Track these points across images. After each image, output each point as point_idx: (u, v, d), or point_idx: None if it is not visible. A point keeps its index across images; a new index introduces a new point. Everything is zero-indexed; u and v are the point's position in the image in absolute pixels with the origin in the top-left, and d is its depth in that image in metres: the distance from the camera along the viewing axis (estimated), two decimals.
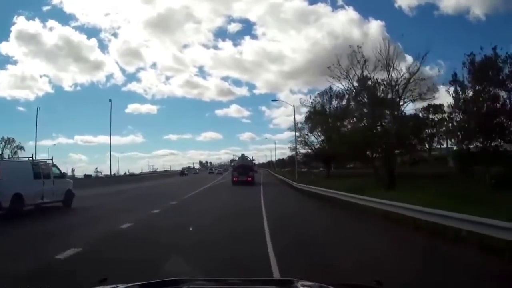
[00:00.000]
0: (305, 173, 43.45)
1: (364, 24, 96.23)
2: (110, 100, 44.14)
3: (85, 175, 75.02)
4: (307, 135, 39.47)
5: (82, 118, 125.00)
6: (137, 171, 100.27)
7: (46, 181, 11.60)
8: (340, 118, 25.41)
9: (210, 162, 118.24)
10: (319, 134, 37.32)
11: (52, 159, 13.72)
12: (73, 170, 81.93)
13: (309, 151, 41.47)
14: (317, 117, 33.62)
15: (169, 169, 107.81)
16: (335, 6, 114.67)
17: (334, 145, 26.51)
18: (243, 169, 31.16)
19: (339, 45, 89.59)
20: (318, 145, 38.91)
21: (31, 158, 12.77)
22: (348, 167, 49.50)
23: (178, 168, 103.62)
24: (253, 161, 39.41)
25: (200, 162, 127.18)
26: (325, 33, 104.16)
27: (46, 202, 11.65)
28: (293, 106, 36.64)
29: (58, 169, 13.37)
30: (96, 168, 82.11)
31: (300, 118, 41.21)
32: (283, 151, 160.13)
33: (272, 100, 35.91)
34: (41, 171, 11.62)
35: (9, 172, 10.34)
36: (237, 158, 38.89)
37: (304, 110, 41.46)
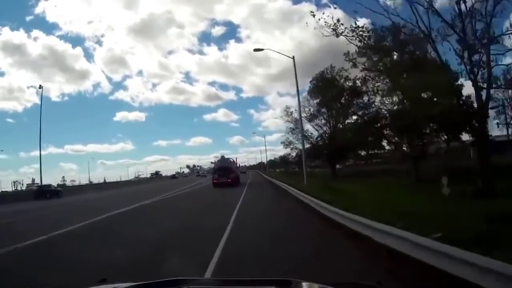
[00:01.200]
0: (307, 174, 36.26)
1: (350, 23, 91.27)
2: (40, 87, 39.08)
3: (58, 185, 72.33)
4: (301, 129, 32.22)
5: (71, 128, 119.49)
6: (128, 177, 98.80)
7: None
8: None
9: (200, 166, 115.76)
10: (326, 118, 29.73)
11: None
12: (33, 180, 75.58)
13: (309, 145, 34.38)
14: (328, 87, 24.90)
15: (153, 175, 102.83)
16: (319, 5, 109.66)
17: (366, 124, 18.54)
18: (223, 171, 29.69)
19: (325, 45, 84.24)
20: (319, 138, 32.24)
21: None
22: (347, 165, 42.34)
23: (169, 173, 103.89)
24: (234, 162, 37.01)
25: (188, 166, 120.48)
26: (310, 33, 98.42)
27: None
28: (293, 57, 21.89)
29: None
30: (63, 176, 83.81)
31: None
32: (273, 153, 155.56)
33: (255, 50, 24.48)
34: None
35: None
36: (216, 160, 36.99)
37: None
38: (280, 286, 1.80)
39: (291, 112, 32.97)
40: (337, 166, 37.02)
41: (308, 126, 32.51)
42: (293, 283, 1.71)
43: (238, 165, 48.82)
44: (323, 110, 29.53)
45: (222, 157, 35.70)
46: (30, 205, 21.82)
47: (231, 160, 36.12)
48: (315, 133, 32.77)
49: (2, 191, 64.50)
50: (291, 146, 35.48)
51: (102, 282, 1.92)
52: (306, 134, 32.14)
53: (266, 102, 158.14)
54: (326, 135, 30.44)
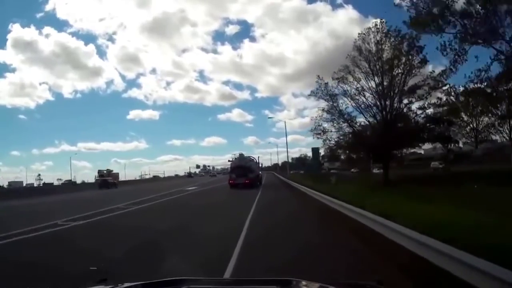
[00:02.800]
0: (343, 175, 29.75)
1: (365, 23, 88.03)
2: None
3: (44, 184, 69.07)
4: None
5: (84, 125, 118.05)
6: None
7: None
8: None
9: (213, 166, 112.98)
10: (378, 94, 21.38)
11: None
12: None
13: (345, 135, 23.79)
14: None
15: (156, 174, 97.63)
16: (334, 5, 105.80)
17: None
18: (241, 170, 26.94)
19: (340, 45, 79.27)
20: (372, 119, 22.37)
21: None
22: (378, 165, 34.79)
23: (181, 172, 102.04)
24: (255, 161, 32.58)
25: (198, 166, 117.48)
26: (325, 33, 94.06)
27: None
28: None
29: None
30: (39, 175, 78.64)
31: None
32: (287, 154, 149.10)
33: None
34: None
35: None
36: (234, 158, 34.96)
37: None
38: (280, 285, 1.77)
39: (326, 84, 22.47)
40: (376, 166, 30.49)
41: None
42: (293, 283, 1.70)
43: (260, 164, 43.77)
44: (372, 83, 21.38)
45: (241, 154, 33.47)
46: (110, 191, 32.23)
47: (251, 158, 32.77)
48: (359, 119, 23.15)
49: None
50: (324, 137, 23.37)
51: (102, 282, 1.86)
52: (348, 118, 22.62)
53: (280, 103, 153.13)
54: (379, 117, 21.93)
